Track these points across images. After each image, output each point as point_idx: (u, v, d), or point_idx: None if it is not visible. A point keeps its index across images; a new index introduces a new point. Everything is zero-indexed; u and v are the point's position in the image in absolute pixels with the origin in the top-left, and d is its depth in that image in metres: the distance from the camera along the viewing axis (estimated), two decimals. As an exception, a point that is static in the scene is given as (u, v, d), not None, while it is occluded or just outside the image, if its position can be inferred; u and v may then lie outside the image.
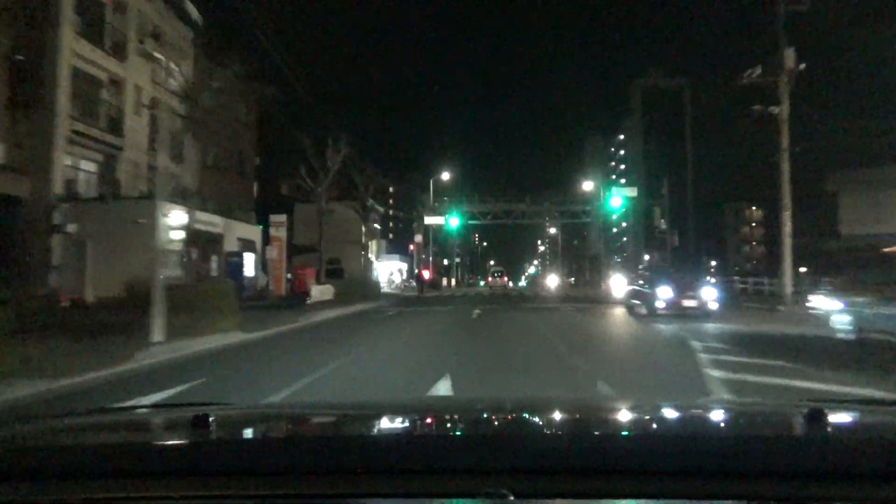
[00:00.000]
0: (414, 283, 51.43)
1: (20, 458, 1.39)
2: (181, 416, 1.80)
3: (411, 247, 55.32)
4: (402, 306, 25.69)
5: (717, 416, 2.06)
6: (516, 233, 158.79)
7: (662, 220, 43.26)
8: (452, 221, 50.31)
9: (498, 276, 65.54)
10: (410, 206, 56.84)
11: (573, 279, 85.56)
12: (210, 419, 1.49)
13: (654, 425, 1.91)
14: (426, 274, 54.14)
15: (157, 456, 1.39)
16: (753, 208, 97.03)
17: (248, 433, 1.82)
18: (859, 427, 1.77)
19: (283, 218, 29.78)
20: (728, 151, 75.89)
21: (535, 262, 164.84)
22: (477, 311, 21.00)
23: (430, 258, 58.70)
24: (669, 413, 2.07)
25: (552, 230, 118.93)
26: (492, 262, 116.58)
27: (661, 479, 1.23)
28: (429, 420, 1.94)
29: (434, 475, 1.26)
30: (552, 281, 72.31)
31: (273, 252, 28.39)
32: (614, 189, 42.25)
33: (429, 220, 50.81)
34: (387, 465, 1.29)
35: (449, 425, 1.88)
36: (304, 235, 50.43)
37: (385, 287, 53.05)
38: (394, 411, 2.18)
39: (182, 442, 1.53)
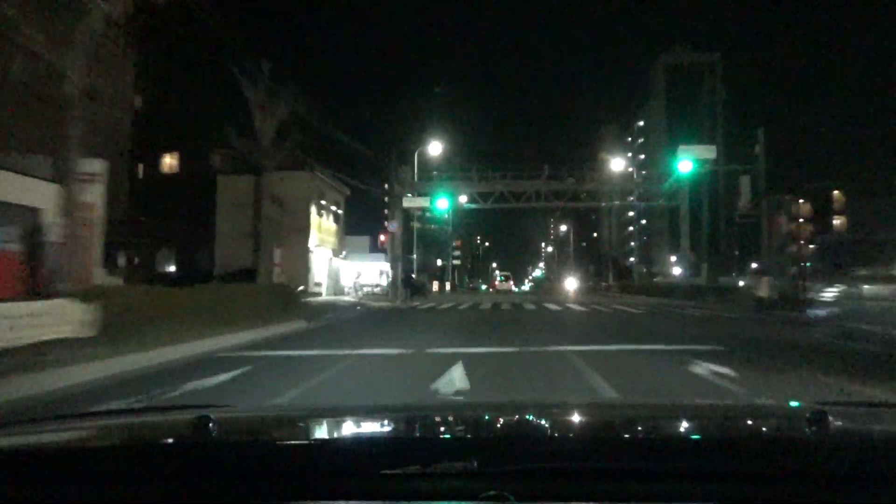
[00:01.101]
0: (388, 289, 37.41)
1: (19, 460, 1.37)
2: (182, 418, 1.82)
3: (382, 238, 40.93)
4: (299, 346, 11.62)
5: (721, 417, 2.01)
6: (519, 234, 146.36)
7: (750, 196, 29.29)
8: (441, 203, 36.28)
9: (504, 280, 67.59)
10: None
11: (589, 283, 73.62)
12: (211, 421, 1.49)
13: (657, 427, 1.84)
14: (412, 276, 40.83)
15: (157, 457, 1.37)
16: (801, 201, 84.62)
17: (250, 435, 1.77)
18: (863, 429, 1.72)
19: (97, 167, 15.51)
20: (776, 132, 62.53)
21: (540, 264, 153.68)
22: (458, 373, 7.07)
23: (416, 256, 44.69)
24: (672, 415, 2.04)
25: (562, 227, 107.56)
26: (494, 265, 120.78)
27: (664, 481, 1.21)
28: (430, 422, 1.91)
29: (435, 478, 1.23)
30: (570, 284, 59.80)
31: (72, 229, 14.22)
32: (681, 149, 28.19)
33: (409, 202, 36.68)
34: (388, 467, 1.26)
35: (450, 427, 1.84)
36: (230, 221, 36.39)
37: (350, 294, 38.92)
38: (395, 413, 2.13)
39: (183, 444, 1.52)
